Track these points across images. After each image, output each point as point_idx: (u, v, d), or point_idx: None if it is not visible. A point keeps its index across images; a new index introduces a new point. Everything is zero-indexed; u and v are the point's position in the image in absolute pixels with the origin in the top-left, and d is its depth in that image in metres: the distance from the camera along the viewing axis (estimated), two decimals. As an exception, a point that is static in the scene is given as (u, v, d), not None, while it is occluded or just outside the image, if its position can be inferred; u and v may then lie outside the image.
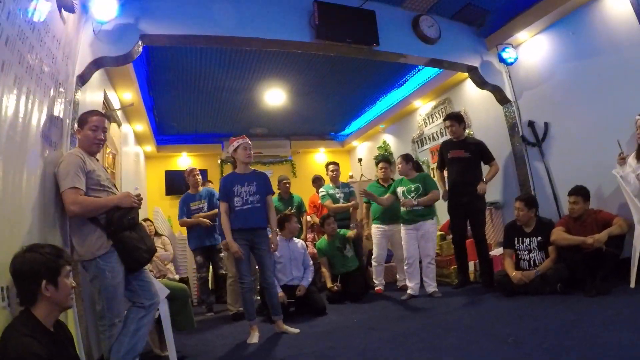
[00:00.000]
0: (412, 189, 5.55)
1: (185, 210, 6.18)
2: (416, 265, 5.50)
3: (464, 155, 5.67)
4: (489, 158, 5.76)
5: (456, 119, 5.79)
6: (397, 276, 6.38)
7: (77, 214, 2.77)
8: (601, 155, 4.85)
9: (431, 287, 5.41)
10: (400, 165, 5.68)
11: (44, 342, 1.81)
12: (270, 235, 4.57)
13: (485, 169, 5.81)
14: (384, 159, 6.50)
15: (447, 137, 7.05)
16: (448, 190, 5.76)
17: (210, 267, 6.45)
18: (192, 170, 6.39)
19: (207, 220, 6.03)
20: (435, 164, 6.60)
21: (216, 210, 6.07)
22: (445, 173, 5.97)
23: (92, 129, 3.02)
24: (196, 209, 6.17)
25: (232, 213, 4.33)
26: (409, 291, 5.41)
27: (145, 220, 6.40)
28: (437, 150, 7.65)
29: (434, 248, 5.55)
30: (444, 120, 5.99)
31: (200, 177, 6.43)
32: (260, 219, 4.40)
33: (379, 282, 6.17)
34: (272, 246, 4.55)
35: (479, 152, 5.73)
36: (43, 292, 1.89)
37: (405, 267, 5.59)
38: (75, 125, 3.36)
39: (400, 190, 5.62)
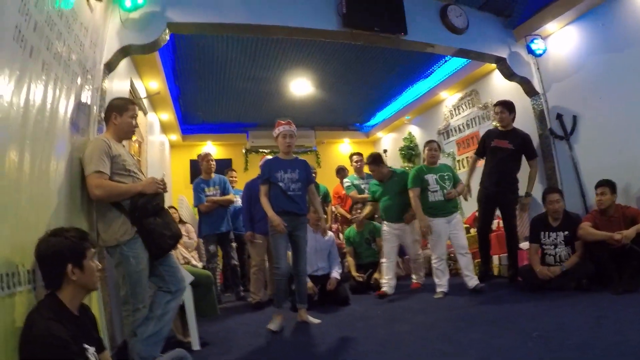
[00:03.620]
0: (446, 176, 5.30)
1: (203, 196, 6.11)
2: (446, 262, 5.19)
3: (507, 147, 5.46)
4: (532, 154, 5.56)
5: (507, 107, 5.55)
6: (413, 276, 5.96)
7: (101, 197, 2.80)
8: (631, 151, 4.75)
9: (473, 280, 5.00)
10: (430, 152, 5.41)
11: (69, 326, 1.82)
12: (319, 222, 4.82)
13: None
14: (372, 160, 5.87)
15: (475, 128, 6.98)
16: (483, 178, 5.57)
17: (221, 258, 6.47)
18: (206, 155, 6.35)
19: (227, 197, 6.08)
20: (462, 156, 6.54)
21: (229, 197, 6.10)
22: (481, 162, 5.81)
23: (134, 116, 3.14)
24: (210, 194, 6.10)
25: (273, 198, 4.33)
26: (441, 289, 5.02)
27: (170, 207, 6.43)
28: (464, 142, 7.60)
29: (465, 236, 5.33)
30: (495, 105, 5.74)
31: (214, 162, 6.38)
32: (301, 206, 4.41)
33: (386, 282, 5.60)
34: (323, 232, 4.86)
35: (524, 146, 5.51)
36: (69, 275, 1.90)
37: (435, 264, 5.13)
38: (102, 112, 3.40)
39: (431, 177, 5.26)
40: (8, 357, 1.73)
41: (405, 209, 5.55)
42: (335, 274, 5.40)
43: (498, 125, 5.80)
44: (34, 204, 2.19)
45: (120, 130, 3.10)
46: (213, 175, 6.32)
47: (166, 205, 3.37)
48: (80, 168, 2.87)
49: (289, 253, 4.46)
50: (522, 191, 5.67)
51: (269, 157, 5.16)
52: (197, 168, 9.78)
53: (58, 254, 1.91)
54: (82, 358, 1.80)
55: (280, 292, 4.32)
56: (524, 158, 5.56)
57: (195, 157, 10.12)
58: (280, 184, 4.31)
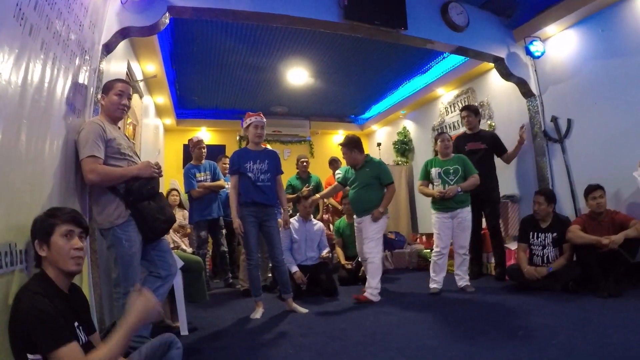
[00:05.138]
0: (451, 170, 5.09)
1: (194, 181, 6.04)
2: (446, 257, 5.06)
3: (481, 147, 5.76)
4: (503, 149, 5.92)
5: (473, 111, 5.97)
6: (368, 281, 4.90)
7: (95, 182, 2.80)
8: (623, 157, 4.78)
9: (463, 280, 5.01)
10: (443, 143, 5.20)
11: (58, 302, 1.81)
12: (282, 214, 4.67)
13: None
14: (346, 142, 5.12)
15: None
16: None
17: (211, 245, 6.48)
18: (199, 142, 6.28)
19: (218, 183, 6.07)
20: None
21: (219, 182, 6.08)
22: None
23: (118, 94, 3.05)
24: (201, 180, 6.06)
25: (243, 189, 4.37)
26: (435, 285, 4.95)
27: (173, 190, 6.39)
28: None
29: (469, 238, 5.11)
30: (461, 110, 6.15)
31: (205, 149, 6.34)
32: (270, 197, 4.45)
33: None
34: (284, 225, 4.68)
35: (494, 144, 5.87)
36: (39, 252, 1.91)
37: (434, 258, 5.04)
38: (99, 93, 3.38)
39: (434, 171, 5.16)
40: (0, 335, 1.74)
41: (369, 205, 4.93)
42: (325, 252, 5.56)
43: (466, 129, 6.12)
44: (29, 184, 2.18)
45: (108, 110, 3.07)
46: (203, 161, 6.28)
47: (165, 189, 3.36)
48: (74, 150, 2.86)
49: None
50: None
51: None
52: (190, 153, 9.79)
53: (31, 229, 1.94)
54: (71, 334, 1.80)
55: (255, 280, 4.43)
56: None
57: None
58: (250, 174, 4.36)
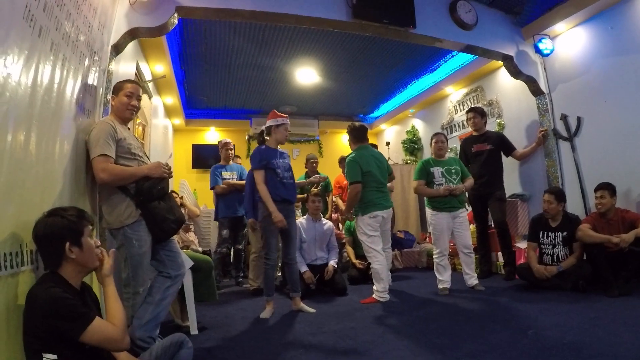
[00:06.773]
0: (452, 170, 5.09)
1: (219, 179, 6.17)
2: (447, 257, 5.01)
3: (487, 148, 5.77)
4: (510, 147, 5.94)
5: (479, 112, 5.95)
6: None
7: (106, 181, 2.80)
8: (633, 156, 4.77)
9: (473, 279, 4.98)
10: (437, 144, 5.19)
11: (71, 295, 1.83)
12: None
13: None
14: (350, 129, 5.13)
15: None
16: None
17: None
18: (227, 143, 6.45)
19: (243, 182, 6.04)
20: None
21: (244, 181, 6.11)
22: None
23: (128, 95, 3.08)
24: (227, 179, 6.17)
25: (271, 186, 4.35)
26: (444, 285, 4.89)
27: (171, 192, 6.43)
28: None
29: (470, 237, 5.11)
30: (467, 112, 6.13)
31: (232, 150, 6.49)
32: (294, 194, 4.55)
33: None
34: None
35: (501, 143, 5.88)
36: (68, 254, 1.90)
37: (437, 259, 4.97)
38: (109, 94, 3.41)
39: (437, 170, 5.06)
40: (10, 336, 1.75)
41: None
42: (332, 262, 5.45)
43: (472, 130, 6.10)
44: (39, 184, 2.19)
45: (118, 110, 3.09)
46: (231, 162, 6.45)
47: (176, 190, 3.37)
48: (85, 150, 2.87)
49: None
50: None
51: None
52: (199, 153, 9.82)
53: (56, 233, 1.90)
54: (90, 317, 1.81)
55: (270, 280, 4.41)
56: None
57: (198, 142, 10.22)
58: (278, 170, 4.39)
